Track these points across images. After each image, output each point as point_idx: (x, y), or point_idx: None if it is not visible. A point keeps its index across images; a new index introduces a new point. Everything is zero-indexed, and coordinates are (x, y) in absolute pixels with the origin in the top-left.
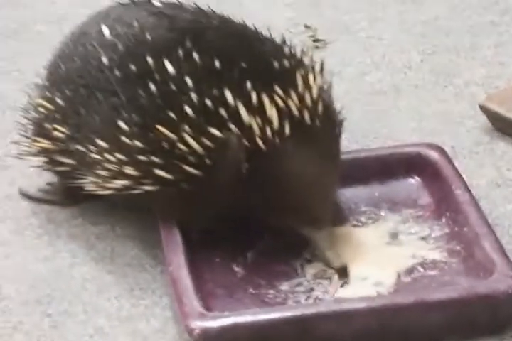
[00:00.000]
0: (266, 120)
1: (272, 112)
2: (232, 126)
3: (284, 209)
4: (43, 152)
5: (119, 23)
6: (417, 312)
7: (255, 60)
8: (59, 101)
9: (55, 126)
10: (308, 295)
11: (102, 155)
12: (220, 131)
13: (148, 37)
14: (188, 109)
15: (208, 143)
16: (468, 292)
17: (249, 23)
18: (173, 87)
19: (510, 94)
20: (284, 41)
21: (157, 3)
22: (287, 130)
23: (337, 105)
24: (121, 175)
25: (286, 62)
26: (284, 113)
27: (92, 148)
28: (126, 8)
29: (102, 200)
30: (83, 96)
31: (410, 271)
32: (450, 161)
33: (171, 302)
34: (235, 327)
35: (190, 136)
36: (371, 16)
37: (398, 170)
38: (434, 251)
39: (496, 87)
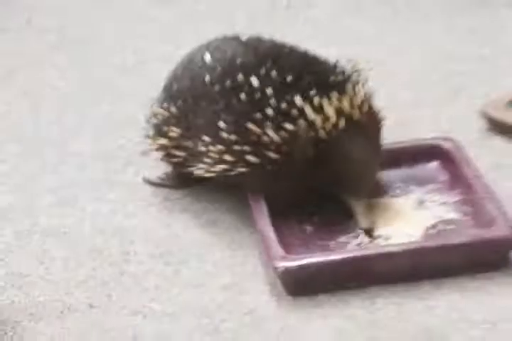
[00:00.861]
0: (325, 117)
1: (329, 111)
2: (301, 122)
3: (339, 182)
4: (162, 148)
5: (217, 51)
6: (440, 254)
7: (316, 76)
8: (173, 109)
9: (171, 127)
10: (359, 244)
11: (206, 147)
12: (293, 125)
13: (239, 61)
14: (269, 111)
15: (284, 134)
16: (477, 238)
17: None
18: (258, 96)
19: (508, 100)
20: (337, 62)
21: (243, 37)
22: (342, 124)
23: (378, 108)
24: (221, 161)
25: (339, 77)
26: (339, 112)
27: (199, 142)
28: (221, 40)
29: (205, 183)
30: (191, 105)
31: (434, 226)
32: (460, 149)
33: (260, 254)
34: (309, 265)
35: (271, 130)
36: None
37: (422, 157)
38: (451, 212)
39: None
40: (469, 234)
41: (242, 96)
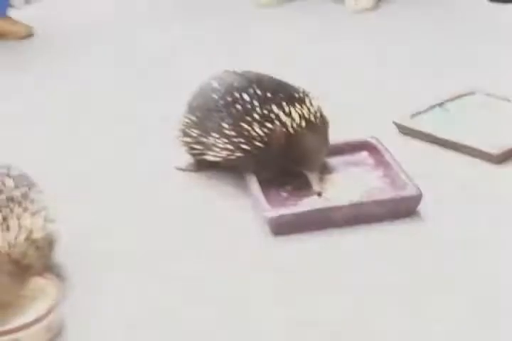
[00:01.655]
0: (293, 120)
1: (295, 116)
2: (277, 122)
3: (301, 162)
4: (186, 144)
5: (221, 80)
6: (372, 207)
7: (287, 93)
8: (193, 117)
9: (192, 129)
10: (320, 200)
11: (215, 141)
12: (272, 125)
13: (235, 84)
14: (255, 115)
15: (266, 131)
16: (396, 196)
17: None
18: (248, 106)
19: (411, 114)
20: (299, 87)
21: (238, 70)
22: (303, 124)
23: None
24: (224, 149)
25: (301, 94)
26: (301, 117)
27: (211, 138)
28: (224, 73)
29: (215, 168)
30: (205, 114)
31: (366, 191)
32: (381, 143)
33: (253, 212)
34: (286, 215)
35: (257, 127)
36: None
37: (357, 148)
38: (377, 181)
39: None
40: (390, 194)
41: (238, 107)
